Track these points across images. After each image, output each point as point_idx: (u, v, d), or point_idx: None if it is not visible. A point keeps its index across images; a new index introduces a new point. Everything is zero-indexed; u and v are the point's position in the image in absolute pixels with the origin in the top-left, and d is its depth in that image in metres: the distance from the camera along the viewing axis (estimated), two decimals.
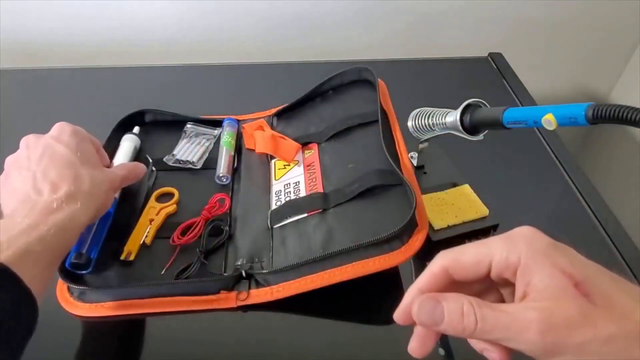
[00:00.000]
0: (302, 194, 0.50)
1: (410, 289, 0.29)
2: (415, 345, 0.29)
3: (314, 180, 0.51)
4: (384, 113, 0.53)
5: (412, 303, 0.27)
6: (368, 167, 0.48)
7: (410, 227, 0.41)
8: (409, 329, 0.29)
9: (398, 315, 0.29)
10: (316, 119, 0.59)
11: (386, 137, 0.50)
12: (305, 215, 0.48)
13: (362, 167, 0.49)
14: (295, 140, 0.56)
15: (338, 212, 0.47)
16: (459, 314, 0.26)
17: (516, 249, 0.26)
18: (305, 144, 0.56)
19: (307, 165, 0.53)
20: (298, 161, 0.55)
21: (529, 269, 0.26)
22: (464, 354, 0.41)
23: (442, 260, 0.29)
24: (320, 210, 0.47)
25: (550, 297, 0.25)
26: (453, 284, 0.29)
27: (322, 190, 0.49)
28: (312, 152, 0.55)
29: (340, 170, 0.51)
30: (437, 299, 0.27)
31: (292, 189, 0.51)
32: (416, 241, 0.41)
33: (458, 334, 0.26)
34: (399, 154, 0.50)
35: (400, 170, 0.46)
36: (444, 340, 0.41)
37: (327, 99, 0.61)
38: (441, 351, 0.41)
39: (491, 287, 0.30)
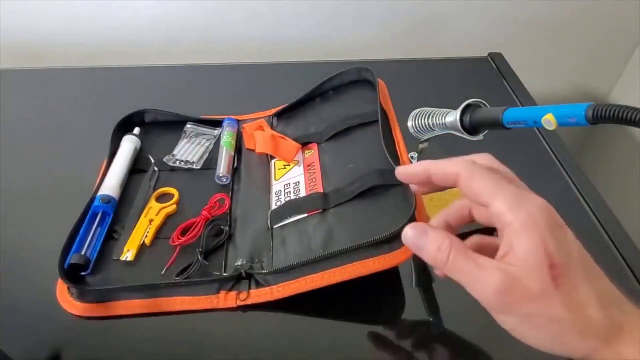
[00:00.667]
0: (302, 194, 0.50)
1: (420, 165, 0.33)
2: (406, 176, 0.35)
3: (313, 180, 0.51)
4: (383, 113, 0.53)
5: (407, 229, 0.31)
6: (368, 167, 0.48)
7: None
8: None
9: (400, 172, 0.34)
10: (316, 119, 0.59)
11: (386, 136, 0.50)
12: (305, 215, 0.48)
13: (362, 167, 0.49)
14: (295, 140, 0.56)
15: (338, 212, 0.47)
16: (435, 248, 0.29)
17: (517, 211, 0.27)
18: (305, 144, 0.56)
19: (307, 165, 0.53)
20: (298, 161, 0.55)
21: (518, 235, 0.27)
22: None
23: (461, 169, 0.30)
24: (320, 210, 0.47)
25: (522, 266, 0.26)
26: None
27: (322, 190, 0.49)
28: (312, 152, 0.55)
29: (340, 170, 0.51)
30: (425, 230, 0.30)
31: (292, 189, 0.51)
32: None
33: (432, 264, 0.30)
34: (399, 153, 0.50)
35: None
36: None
37: (327, 99, 0.61)
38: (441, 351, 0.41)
39: None
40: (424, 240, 0.30)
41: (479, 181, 0.29)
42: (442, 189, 0.34)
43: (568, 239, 0.28)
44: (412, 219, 0.41)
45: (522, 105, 0.68)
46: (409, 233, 0.31)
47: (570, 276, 0.27)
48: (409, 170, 0.35)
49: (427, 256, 0.30)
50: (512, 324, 0.28)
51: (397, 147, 0.51)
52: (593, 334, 0.26)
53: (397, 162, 0.48)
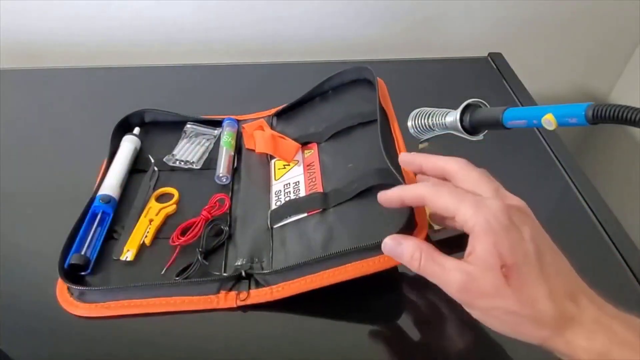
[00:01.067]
0: (302, 193, 0.50)
1: (398, 191, 0.38)
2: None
3: (313, 180, 0.51)
4: (383, 112, 0.53)
5: (387, 240, 0.37)
6: (368, 166, 0.48)
7: (409, 227, 0.41)
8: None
9: (383, 197, 0.39)
10: (316, 118, 0.59)
11: (385, 136, 0.50)
12: (305, 215, 0.48)
13: (362, 166, 0.49)
14: (295, 140, 0.56)
15: (338, 212, 0.47)
16: (409, 256, 0.35)
17: (476, 218, 0.32)
18: (305, 144, 0.56)
19: (307, 165, 0.53)
20: (298, 161, 0.55)
21: (478, 238, 0.31)
22: None
23: (423, 191, 0.36)
24: (320, 210, 0.47)
25: (479, 266, 0.31)
26: None
27: (321, 190, 0.49)
28: (312, 152, 0.55)
29: (340, 169, 0.51)
30: (400, 241, 0.36)
31: (291, 189, 0.51)
32: None
33: (408, 267, 0.35)
34: (399, 152, 0.50)
35: (400, 169, 0.46)
36: None
37: (327, 98, 0.61)
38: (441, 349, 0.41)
39: None
40: (400, 250, 0.36)
41: (442, 199, 0.34)
42: None
43: (525, 237, 0.32)
44: (411, 218, 0.41)
45: (522, 105, 0.68)
46: (388, 244, 0.37)
47: (522, 274, 0.31)
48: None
49: (404, 262, 0.36)
50: (477, 315, 0.33)
51: (396, 146, 0.51)
52: (545, 325, 0.30)
53: (396, 161, 0.48)
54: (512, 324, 0.31)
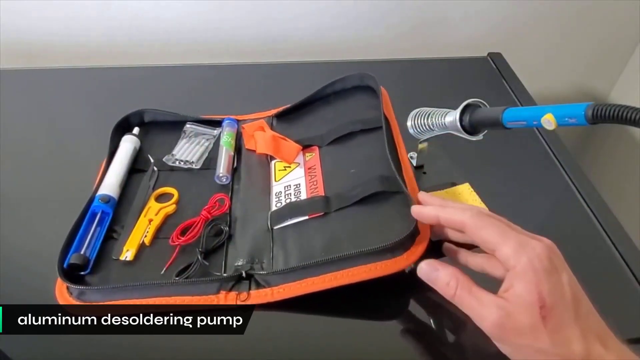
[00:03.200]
0: (303, 196, 0.50)
1: (431, 210, 0.39)
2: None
3: (315, 183, 0.51)
4: (386, 121, 0.53)
5: (422, 264, 0.37)
6: (370, 172, 0.48)
7: (412, 236, 0.41)
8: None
9: (415, 211, 0.40)
10: (317, 122, 0.59)
11: (390, 145, 0.50)
12: (306, 217, 0.48)
13: (364, 172, 0.49)
14: (296, 142, 0.56)
15: (339, 217, 0.47)
16: (444, 283, 0.35)
17: (519, 257, 0.32)
18: (306, 147, 0.56)
19: (309, 168, 0.53)
20: (299, 163, 0.55)
21: (518, 277, 0.32)
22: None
23: (467, 220, 0.36)
24: (322, 213, 0.47)
25: (517, 305, 0.32)
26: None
27: (323, 194, 0.49)
28: (314, 155, 0.55)
29: (342, 174, 0.51)
30: (436, 267, 0.36)
31: (292, 191, 0.51)
32: (418, 249, 0.41)
33: (442, 294, 0.36)
34: (401, 161, 0.50)
35: (403, 178, 0.46)
36: None
37: (329, 102, 0.61)
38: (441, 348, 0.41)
39: None
40: (435, 275, 0.36)
41: (486, 231, 0.35)
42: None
43: (563, 281, 0.32)
44: (415, 228, 0.41)
45: (522, 105, 0.68)
46: (424, 268, 0.37)
47: (559, 316, 0.31)
48: (423, 213, 0.40)
49: (438, 288, 0.36)
50: (507, 351, 0.33)
51: (399, 155, 0.51)
52: None
53: (400, 170, 0.48)
54: None
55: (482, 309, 0.33)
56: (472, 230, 0.35)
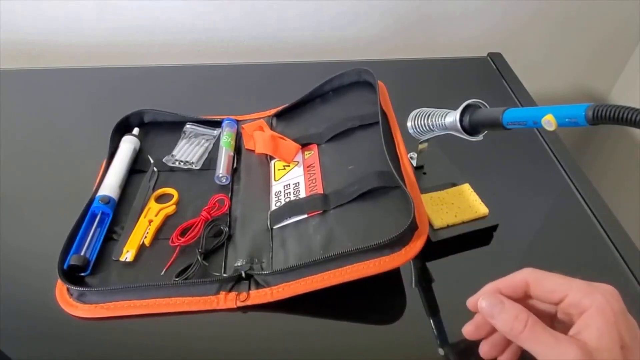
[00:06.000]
0: (302, 195, 0.50)
1: (489, 286, 0.35)
2: (470, 328, 0.36)
3: (313, 181, 0.51)
4: (384, 115, 0.53)
5: (484, 297, 0.34)
6: (368, 168, 0.48)
7: (410, 231, 0.41)
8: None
9: (471, 302, 0.35)
10: (316, 120, 0.59)
11: (387, 139, 0.50)
12: (306, 216, 0.48)
13: (362, 168, 0.49)
14: (295, 141, 0.56)
15: (338, 214, 0.47)
16: (513, 317, 0.32)
17: (593, 296, 0.31)
18: (305, 145, 0.56)
19: (307, 167, 0.53)
20: (298, 162, 0.55)
21: (595, 316, 0.31)
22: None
23: (527, 275, 0.34)
24: (321, 211, 0.47)
25: (598, 344, 0.30)
26: (522, 300, 0.34)
27: (322, 192, 0.49)
28: (312, 153, 0.55)
29: (341, 171, 0.51)
30: (502, 300, 0.33)
31: (292, 190, 0.51)
32: (417, 244, 0.41)
33: (506, 333, 0.32)
34: (400, 156, 0.50)
35: (401, 173, 0.46)
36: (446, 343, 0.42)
37: (327, 100, 0.61)
38: (441, 351, 0.41)
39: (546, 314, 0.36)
40: (500, 309, 0.33)
41: (549, 281, 0.34)
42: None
43: (633, 324, 0.32)
44: (413, 222, 0.41)
45: (522, 106, 0.68)
46: (485, 302, 0.34)
47: (635, 356, 0.31)
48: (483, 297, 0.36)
49: (502, 323, 0.33)
50: None
51: (397, 149, 0.51)
52: None
53: (398, 164, 0.48)
54: None
55: (558, 346, 0.31)
56: (536, 282, 0.34)
